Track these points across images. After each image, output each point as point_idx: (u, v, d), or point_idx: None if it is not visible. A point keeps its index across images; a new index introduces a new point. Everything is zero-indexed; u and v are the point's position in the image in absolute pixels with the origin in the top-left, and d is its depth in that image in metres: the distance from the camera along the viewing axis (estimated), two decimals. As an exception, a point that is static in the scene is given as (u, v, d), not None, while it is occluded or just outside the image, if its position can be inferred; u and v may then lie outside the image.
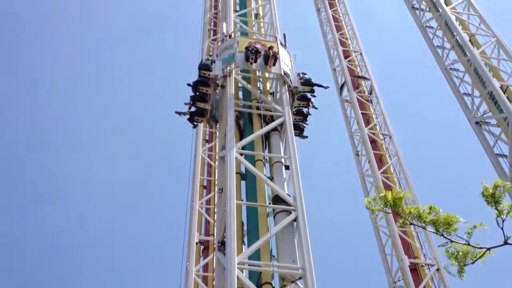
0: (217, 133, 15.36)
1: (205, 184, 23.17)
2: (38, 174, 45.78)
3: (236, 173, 12.72)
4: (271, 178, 13.09)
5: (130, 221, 46.03)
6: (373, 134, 25.17)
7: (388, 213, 6.29)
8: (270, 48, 15.19)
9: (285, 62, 15.37)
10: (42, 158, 46.30)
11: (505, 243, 5.80)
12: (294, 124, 14.20)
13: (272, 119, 14.28)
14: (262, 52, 14.95)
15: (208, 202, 22.38)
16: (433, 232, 6.02)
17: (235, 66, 14.81)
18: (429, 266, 20.16)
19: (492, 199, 5.80)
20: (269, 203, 12.56)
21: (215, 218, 17.83)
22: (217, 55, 15.78)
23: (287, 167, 13.34)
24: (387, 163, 24.14)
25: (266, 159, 13.73)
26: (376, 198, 6.19)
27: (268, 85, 15.84)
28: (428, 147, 45.68)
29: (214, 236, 18.92)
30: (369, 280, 38.96)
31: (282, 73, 14.84)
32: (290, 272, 11.30)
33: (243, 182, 13.19)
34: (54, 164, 46.23)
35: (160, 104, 51.23)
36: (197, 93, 15.24)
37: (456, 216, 5.94)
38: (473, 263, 5.91)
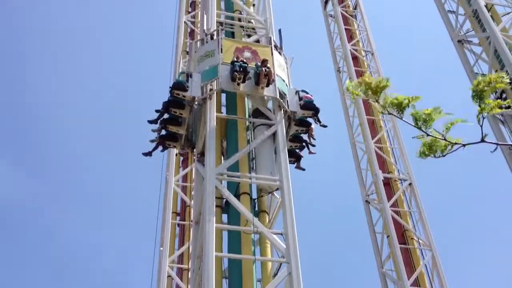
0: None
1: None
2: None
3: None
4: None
5: (112, 130, 46.20)
6: (356, 50, 25.00)
7: (369, 99, 6.05)
8: (263, 62, 12.50)
9: (281, 76, 12.90)
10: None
11: (482, 140, 5.77)
12: (289, 151, 12.20)
13: (254, 31, 14.07)
14: (253, 65, 12.44)
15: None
16: (411, 125, 5.82)
17: (217, 88, 12.23)
18: (402, 181, 20.86)
19: (479, 94, 5.63)
20: (249, 117, 12.69)
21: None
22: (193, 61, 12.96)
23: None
24: (368, 80, 24.22)
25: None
26: (358, 83, 5.91)
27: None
28: (409, 65, 45.71)
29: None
30: (343, 193, 40.40)
31: (278, 96, 12.43)
32: (268, 184, 11.72)
33: (223, 95, 13.21)
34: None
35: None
36: (169, 115, 12.66)
37: (441, 113, 5.72)
38: (444, 155, 5.85)
